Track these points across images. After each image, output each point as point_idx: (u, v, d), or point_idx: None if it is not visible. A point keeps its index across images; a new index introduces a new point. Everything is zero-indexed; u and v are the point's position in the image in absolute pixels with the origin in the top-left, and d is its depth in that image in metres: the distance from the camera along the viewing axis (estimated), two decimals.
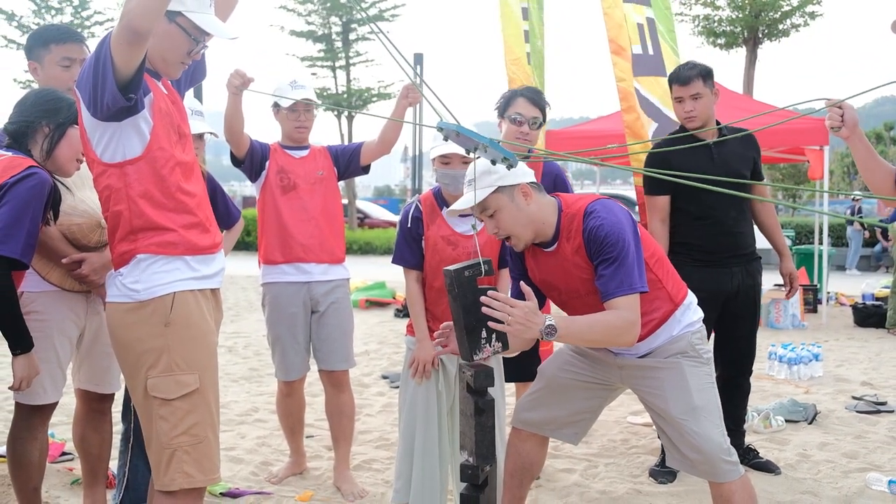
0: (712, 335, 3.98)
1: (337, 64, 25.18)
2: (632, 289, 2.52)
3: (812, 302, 10.16)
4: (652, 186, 3.92)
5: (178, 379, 2.28)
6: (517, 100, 3.61)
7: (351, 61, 25.05)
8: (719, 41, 15.43)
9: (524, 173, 2.69)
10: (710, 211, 3.81)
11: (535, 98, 3.62)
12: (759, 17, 14.76)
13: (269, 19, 27.65)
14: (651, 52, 4.42)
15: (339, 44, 25.00)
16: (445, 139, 2.35)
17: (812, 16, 14.83)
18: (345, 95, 25.00)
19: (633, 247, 2.56)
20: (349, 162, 3.98)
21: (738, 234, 3.85)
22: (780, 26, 14.88)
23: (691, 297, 2.84)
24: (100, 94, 2.16)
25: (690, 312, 2.80)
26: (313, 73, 25.24)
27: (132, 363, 2.31)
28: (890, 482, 3.78)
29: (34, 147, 2.68)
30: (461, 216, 3.20)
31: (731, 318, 3.94)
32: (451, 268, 2.43)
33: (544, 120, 3.73)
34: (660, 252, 2.81)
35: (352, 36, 24.79)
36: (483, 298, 2.38)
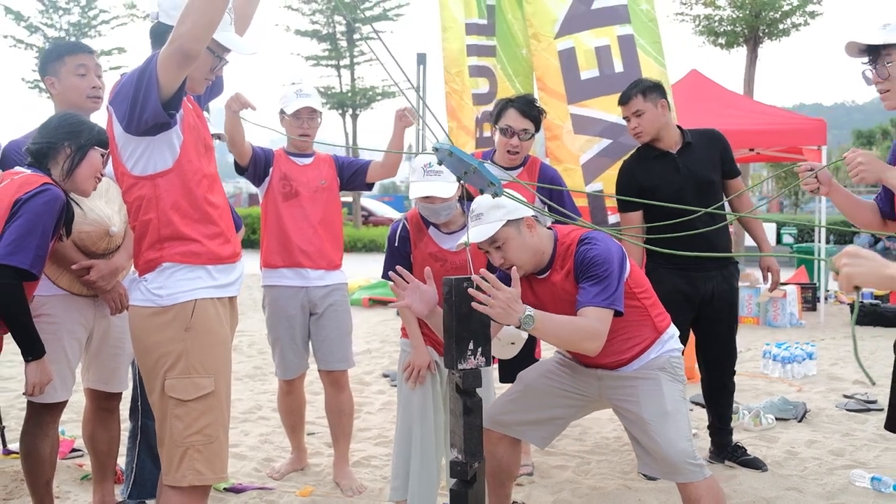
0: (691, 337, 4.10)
1: (341, 63, 25.31)
2: (606, 303, 2.65)
3: (811, 300, 10.26)
4: (624, 204, 4.04)
5: (195, 381, 2.41)
6: (508, 111, 3.72)
7: (355, 60, 25.17)
8: (720, 41, 15.51)
9: (524, 209, 2.81)
10: (680, 217, 3.87)
11: (527, 109, 3.73)
12: (760, 17, 14.83)
13: (274, 19, 27.76)
14: (620, 69, 4.56)
15: (343, 43, 25.12)
16: (440, 162, 2.48)
17: (812, 15, 14.89)
18: (349, 94, 25.12)
19: (617, 272, 2.69)
20: (354, 176, 4.10)
21: (712, 238, 3.88)
22: (781, 25, 14.95)
23: (673, 330, 2.99)
24: (139, 110, 2.29)
25: (673, 342, 2.95)
26: (320, 75, 25.40)
27: (151, 364, 2.44)
28: (872, 479, 3.89)
29: (54, 167, 2.81)
30: (447, 233, 3.33)
31: (709, 322, 4.07)
32: (451, 278, 2.56)
33: (537, 129, 3.84)
34: (649, 286, 2.94)
35: (356, 35, 24.89)
36: (473, 276, 2.49)
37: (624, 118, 4.07)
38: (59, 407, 3.19)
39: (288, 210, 3.92)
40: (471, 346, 2.58)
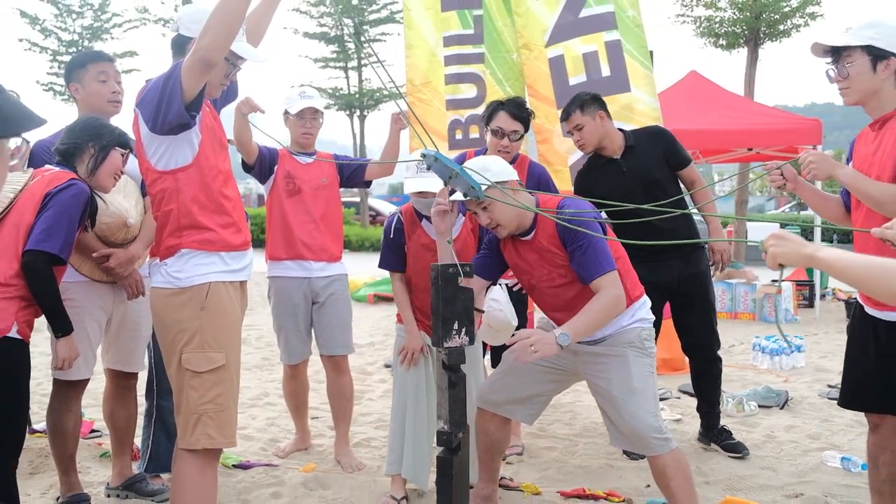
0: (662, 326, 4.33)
1: (349, 65, 25.62)
2: (608, 267, 2.96)
3: (808, 297, 10.45)
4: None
5: (209, 355, 2.68)
6: (499, 113, 3.96)
7: (363, 62, 25.49)
8: (721, 42, 15.72)
9: (511, 172, 3.09)
10: (636, 215, 4.08)
11: (517, 112, 3.96)
12: (760, 18, 15.04)
13: (283, 22, 28.10)
14: (607, 73, 4.84)
15: (351, 45, 25.45)
16: (427, 168, 2.81)
17: (812, 16, 15.10)
18: (357, 95, 25.42)
19: (600, 233, 3.00)
20: (353, 175, 4.37)
21: (669, 230, 4.05)
22: (781, 27, 15.15)
23: (646, 299, 3.24)
24: (163, 112, 2.57)
25: (644, 311, 3.19)
26: (328, 77, 25.75)
27: (170, 339, 2.70)
28: (843, 459, 4.12)
29: (80, 165, 3.10)
30: None
31: (682, 308, 4.33)
32: (437, 264, 2.84)
33: (526, 130, 4.09)
34: (622, 251, 3.19)
35: (363, 37, 25.19)
36: (509, 342, 2.90)
37: (567, 133, 4.34)
38: (82, 385, 3.47)
39: (291, 206, 4.18)
40: (455, 326, 2.84)
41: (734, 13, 15.45)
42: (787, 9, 15.04)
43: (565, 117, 4.25)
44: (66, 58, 25.12)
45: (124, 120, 3.55)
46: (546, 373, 3.28)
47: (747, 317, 9.50)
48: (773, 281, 2.29)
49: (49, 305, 2.89)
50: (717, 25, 15.59)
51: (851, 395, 2.97)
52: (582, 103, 4.20)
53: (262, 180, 4.27)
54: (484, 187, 2.94)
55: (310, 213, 4.19)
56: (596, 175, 4.27)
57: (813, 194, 3.22)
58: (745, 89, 15.02)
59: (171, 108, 2.56)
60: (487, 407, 3.34)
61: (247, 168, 4.21)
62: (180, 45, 2.78)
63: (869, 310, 2.86)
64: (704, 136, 9.76)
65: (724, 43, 15.64)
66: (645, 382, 3.06)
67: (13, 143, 1.51)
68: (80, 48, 24.93)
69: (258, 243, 18.89)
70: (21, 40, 24.48)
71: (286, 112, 4.26)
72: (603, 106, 4.23)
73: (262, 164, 4.19)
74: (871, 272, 1.77)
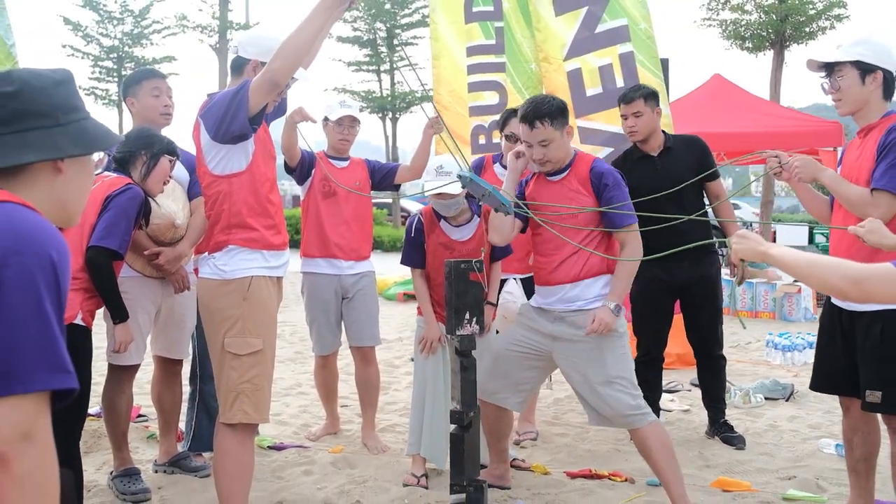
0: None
1: (382, 68, 26.06)
2: (631, 220, 3.48)
3: (827, 296, 10.57)
4: None
5: (248, 340, 3.03)
6: (512, 120, 4.31)
7: (395, 65, 25.91)
8: (747, 44, 15.85)
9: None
10: (656, 213, 4.35)
11: None
12: (786, 21, 15.14)
13: None
14: (621, 83, 5.15)
15: (383, 49, 25.87)
16: (463, 186, 3.41)
17: (839, 18, 15.16)
18: (389, 98, 25.84)
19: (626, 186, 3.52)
20: (383, 178, 4.73)
21: (684, 232, 4.20)
22: (807, 29, 15.25)
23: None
24: (227, 123, 2.94)
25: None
26: (360, 80, 26.24)
27: (215, 325, 3.07)
28: (837, 445, 4.36)
29: (134, 171, 3.48)
30: (455, 226, 3.93)
31: (692, 308, 4.60)
32: (451, 260, 3.20)
33: None
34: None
35: (396, 41, 25.62)
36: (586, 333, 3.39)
37: (622, 115, 4.57)
38: (133, 369, 3.86)
39: (326, 207, 4.52)
40: (467, 316, 3.18)
41: (760, 16, 15.58)
42: (812, 11, 15.14)
43: (629, 101, 4.48)
44: (107, 63, 25.95)
45: (175, 130, 3.97)
46: (526, 358, 3.61)
47: (767, 315, 9.68)
48: (733, 275, 2.60)
49: (109, 295, 3.27)
50: (743, 28, 15.72)
51: (821, 379, 3.25)
52: (647, 94, 4.49)
53: (301, 181, 4.61)
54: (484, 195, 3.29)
55: (342, 215, 4.52)
56: (630, 165, 4.49)
57: (806, 191, 3.48)
58: (771, 92, 15.15)
59: (236, 120, 2.92)
60: (484, 396, 3.66)
61: (289, 170, 4.57)
62: (238, 66, 3.18)
63: (835, 301, 3.14)
64: (727, 139, 9.96)
65: (749, 46, 15.77)
66: (620, 368, 3.39)
67: (96, 155, 1.86)
68: (120, 54, 25.70)
69: (292, 243, 19.41)
70: (64, 46, 25.31)
71: (326, 119, 4.60)
72: (659, 103, 4.57)
73: (303, 167, 4.52)
74: (810, 268, 2.06)
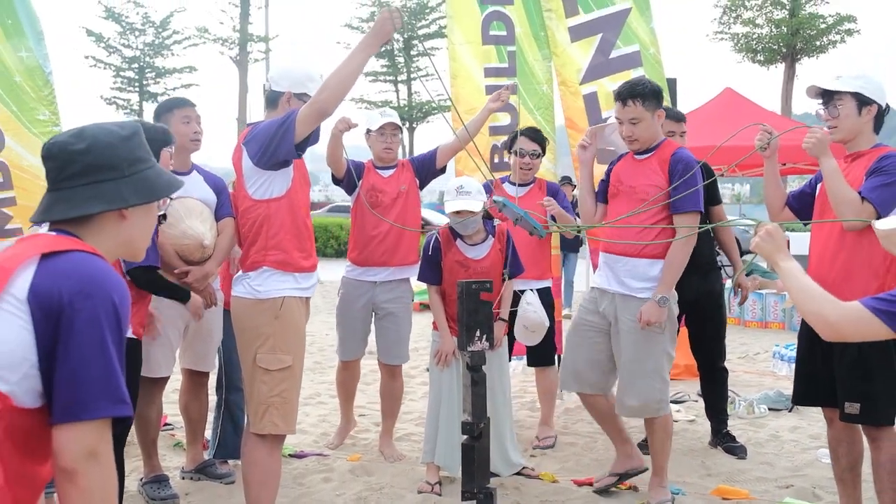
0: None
1: (399, 78, 26.37)
2: (699, 207, 3.75)
3: None
4: None
5: (279, 357, 3.25)
6: (520, 137, 4.75)
7: (412, 76, 26.22)
8: (758, 57, 15.99)
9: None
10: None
11: (534, 135, 4.77)
12: (797, 35, 15.27)
13: (336, 37, 28.97)
14: None
15: (401, 59, 26.17)
16: (500, 210, 3.67)
17: (849, 32, 15.26)
18: (406, 108, 26.14)
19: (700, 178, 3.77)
20: (427, 169, 4.87)
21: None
22: (818, 42, 15.36)
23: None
24: (272, 149, 3.16)
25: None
26: (378, 90, 26.54)
27: (247, 341, 3.28)
28: None
29: None
30: (471, 244, 4.14)
31: (697, 322, 4.78)
32: (463, 281, 3.40)
33: (543, 151, 4.84)
34: None
35: (413, 52, 25.90)
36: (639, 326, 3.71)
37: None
38: (164, 381, 4.09)
39: (371, 217, 4.59)
40: (477, 333, 3.38)
41: (771, 30, 15.72)
42: (823, 25, 15.25)
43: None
44: (129, 73, 26.39)
45: (203, 156, 4.20)
46: (594, 334, 3.91)
47: (777, 326, 9.83)
48: (736, 296, 2.78)
49: (166, 293, 3.62)
50: (755, 42, 15.85)
51: (802, 392, 3.44)
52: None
53: (350, 191, 4.77)
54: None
55: (385, 224, 4.55)
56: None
57: (773, 175, 3.66)
58: (782, 104, 15.28)
59: (282, 147, 3.14)
60: (583, 389, 3.98)
61: (336, 181, 4.78)
62: (273, 99, 3.42)
63: None
64: (739, 152, 10.07)
65: (761, 59, 15.91)
66: (657, 366, 3.71)
67: None
68: (141, 64, 26.12)
69: (322, 253, 19.64)
70: (87, 57, 25.78)
71: (368, 130, 4.80)
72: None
73: (350, 178, 4.67)
74: (800, 294, 2.21)
